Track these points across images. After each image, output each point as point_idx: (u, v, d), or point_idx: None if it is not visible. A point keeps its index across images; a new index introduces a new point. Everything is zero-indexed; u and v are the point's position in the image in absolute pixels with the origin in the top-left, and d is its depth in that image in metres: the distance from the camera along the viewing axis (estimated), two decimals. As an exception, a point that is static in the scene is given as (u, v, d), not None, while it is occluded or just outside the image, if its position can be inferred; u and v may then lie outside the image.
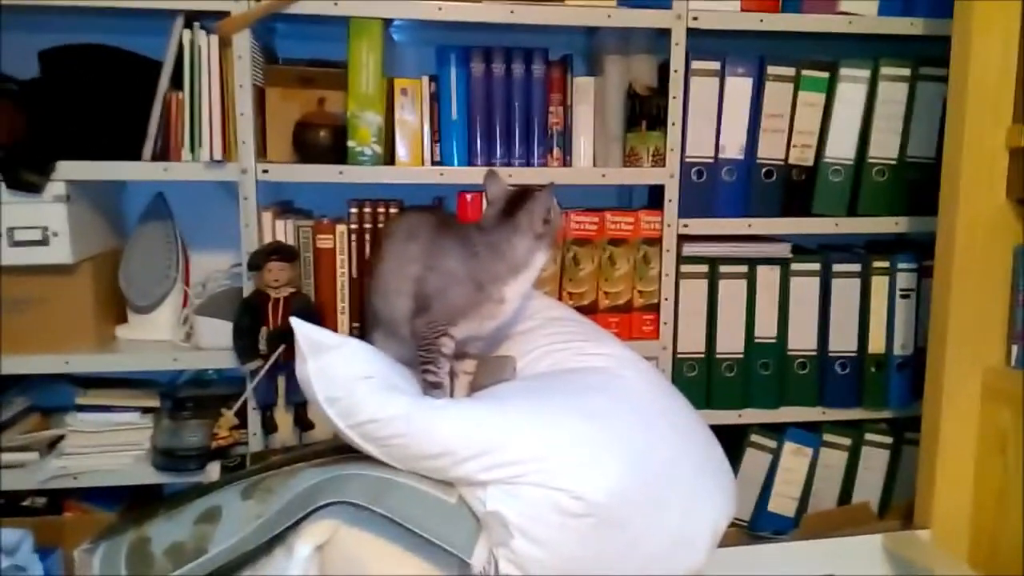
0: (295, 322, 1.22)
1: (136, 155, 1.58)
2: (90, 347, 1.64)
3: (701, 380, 1.80)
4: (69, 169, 1.55)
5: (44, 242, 1.54)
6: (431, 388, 1.33)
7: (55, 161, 1.54)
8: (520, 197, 1.36)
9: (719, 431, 1.55)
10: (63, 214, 1.55)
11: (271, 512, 1.13)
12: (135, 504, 1.72)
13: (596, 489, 1.13)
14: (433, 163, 1.72)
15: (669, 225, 1.74)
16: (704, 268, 1.78)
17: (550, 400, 1.28)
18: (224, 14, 1.56)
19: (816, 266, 1.81)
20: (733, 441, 1.83)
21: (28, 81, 1.64)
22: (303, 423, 1.62)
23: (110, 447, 1.66)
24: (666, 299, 1.76)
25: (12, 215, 1.52)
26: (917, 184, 1.79)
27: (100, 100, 1.60)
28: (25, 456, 1.62)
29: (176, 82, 1.58)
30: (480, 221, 1.38)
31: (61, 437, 1.67)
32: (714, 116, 1.75)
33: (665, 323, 1.77)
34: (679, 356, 1.80)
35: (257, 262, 1.58)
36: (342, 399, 1.17)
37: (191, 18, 1.57)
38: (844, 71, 1.76)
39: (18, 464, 1.61)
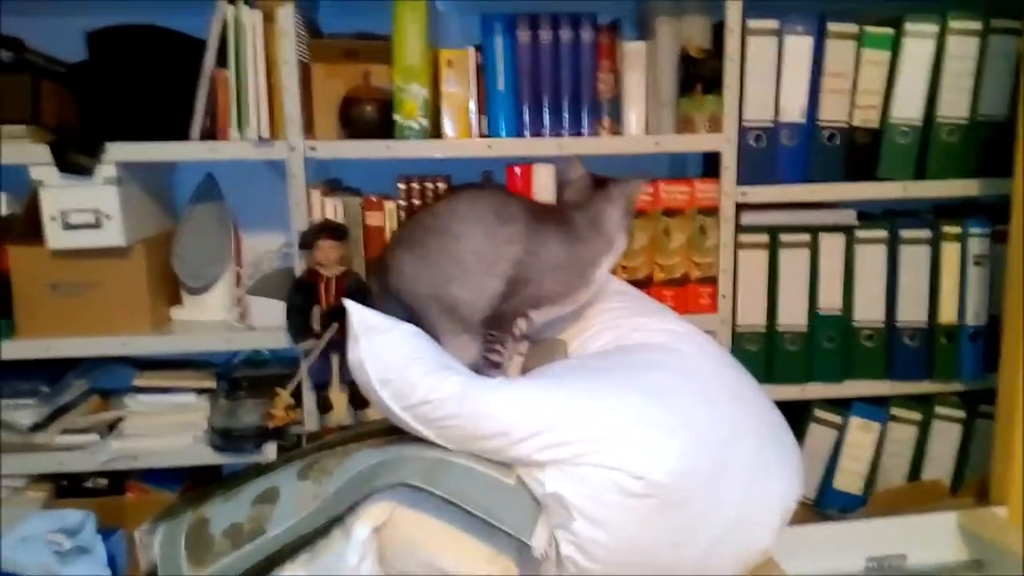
0: (349, 304, 1.20)
1: (184, 135, 1.58)
2: (145, 329, 1.64)
3: (762, 354, 1.75)
4: (119, 151, 1.55)
5: (97, 225, 1.55)
6: (491, 368, 1.30)
7: (105, 143, 1.53)
8: (605, 180, 1.36)
9: (781, 407, 1.49)
10: (115, 196, 1.55)
11: (328, 493, 1.12)
12: (195, 484, 1.73)
13: (658, 469, 1.10)
14: (480, 136, 1.68)
15: (727, 194, 1.68)
16: (764, 238, 1.72)
17: (607, 378, 1.24)
18: (267, -11, 1.53)
19: (883, 233, 1.74)
20: (796, 417, 1.78)
21: (76, 64, 1.64)
22: (358, 402, 1.61)
23: (168, 428, 1.67)
24: (724, 271, 1.71)
25: (65, 198, 1.53)
26: (990, 144, 1.70)
27: (147, 81, 1.59)
28: (86, 438, 1.64)
29: (222, 60, 1.57)
30: (569, 202, 1.36)
31: (120, 419, 1.68)
32: (772, 78, 1.67)
33: (724, 296, 1.71)
34: (739, 330, 1.74)
35: (307, 241, 1.56)
36: (394, 380, 1.15)
37: (234, -6, 1.55)
38: (910, 26, 1.67)
39: (80, 446, 1.63)
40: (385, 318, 1.20)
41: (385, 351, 1.17)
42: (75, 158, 1.51)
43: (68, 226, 1.53)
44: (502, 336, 1.32)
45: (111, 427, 1.68)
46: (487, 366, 1.31)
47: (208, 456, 1.64)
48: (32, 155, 1.52)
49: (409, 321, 1.23)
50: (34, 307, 1.59)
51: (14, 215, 1.60)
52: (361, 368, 1.17)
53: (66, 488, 1.68)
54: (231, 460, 1.64)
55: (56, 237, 1.54)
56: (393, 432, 1.22)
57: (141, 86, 1.58)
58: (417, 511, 1.07)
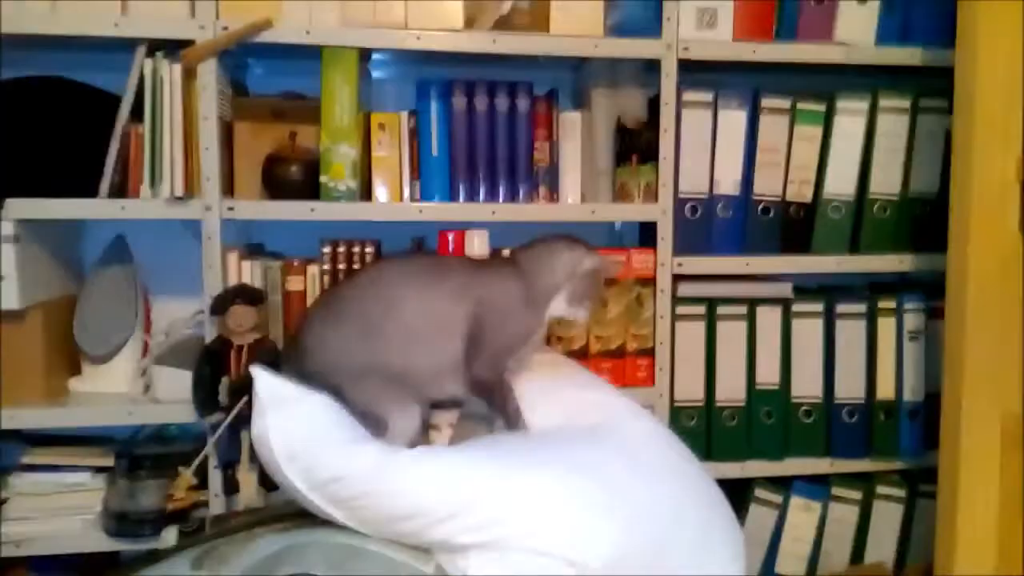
0: (255, 370, 1.11)
1: (92, 192, 1.48)
2: (39, 400, 1.51)
3: (701, 430, 1.69)
4: (18, 207, 1.44)
5: (-10, 286, 1.42)
6: (517, 420, 1.25)
7: (4, 199, 1.43)
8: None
9: (721, 485, 1.43)
10: (11, 256, 1.43)
11: (224, 585, 1.00)
12: (88, 573, 1.57)
13: (593, 554, 1.01)
14: (412, 200, 1.62)
15: (663, 264, 1.64)
16: (701, 309, 1.68)
17: (539, 452, 1.16)
18: (189, 43, 1.47)
19: (819, 307, 1.72)
20: (736, 496, 1.70)
21: (-23, 115, 1.54)
22: (268, 483, 1.48)
23: (59, 511, 1.52)
24: (661, 343, 1.66)
25: (-45, 256, 1.41)
26: (921, 220, 1.72)
27: (55, 135, 1.50)
28: (-37, 521, 1.48)
29: (137, 115, 1.49)
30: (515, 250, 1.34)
31: (5, 500, 1.52)
32: (708, 150, 1.67)
33: (661, 369, 1.66)
34: (677, 404, 1.68)
35: (220, 306, 1.46)
36: (301, 456, 1.05)
37: (154, 47, 1.48)
38: (841, 103, 1.69)
39: (-45, 530, 1.47)
40: (295, 387, 1.11)
41: (293, 424, 1.08)
42: (-32, 213, 1.39)
43: (-44, 286, 1.41)
44: (505, 391, 1.26)
45: (-6, 509, 1.52)
46: (514, 420, 1.24)
47: (102, 542, 1.49)
48: (-79, 210, 1.41)
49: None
50: (-88, 374, 1.45)
51: None
52: (265, 442, 1.07)
53: (-62, 579, 1.50)
54: (126, 546, 1.49)
55: (-58, 298, 1.41)
56: (303, 515, 1.11)
57: (48, 140, 1.49)
58: (323, 605, 0.96)
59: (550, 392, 1.32)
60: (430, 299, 1.25)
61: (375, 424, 1.19)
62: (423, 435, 1.28)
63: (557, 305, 1.31)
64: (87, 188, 1.48)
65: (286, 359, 1.31)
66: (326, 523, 1.05)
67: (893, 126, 1.70)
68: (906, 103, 1.70)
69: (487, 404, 1.27)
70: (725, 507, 1.25)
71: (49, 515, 1.52)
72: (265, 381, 1.10)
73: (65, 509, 1.52)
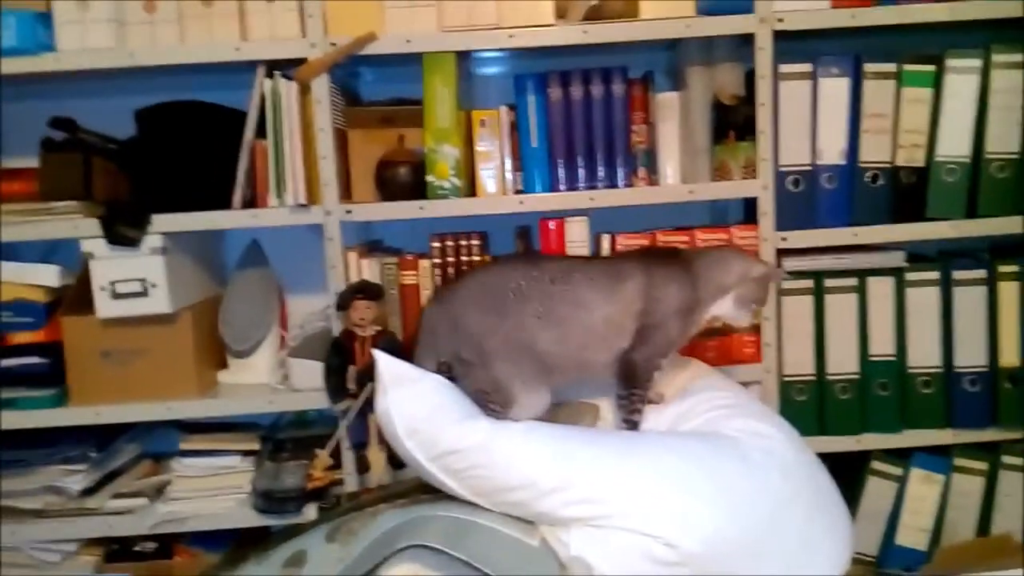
0: (376, 353, 1.21)
1: (227, 204, 1.63)
2: (192, 393, 1.68)
3: (812, 404, 1.68)
4: (164, 222, 1.61)
5: (144, 293, 1.60)
6: (641, 418, 1.29)
7: (151, 215, 1.60)
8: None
9: (836, 459, 1.44)
10: (161, 265, 1.60)
11: (353, 555, 1.12)
12: (239, 547, 1.74)
13: (691, 537, 1.06)
14: (515, 192, 1.69)
15: (766, 239, 1.64)
16: (808, 283, 1.67)
17: (645, 439, 1.21)
18: (302, 61, 1.59)
19: (935, 275, 1.67)
20: (853, 469, 1.70)
21: (125, 140, 1.71)
22: (396, 462, 1.60)
23: (214, 491, 1.69)
24: (767, 318, 1.66)
25: (113, 269, 1.59)
26: (1044, 177, 1.63)
27: (192, 154, 1.65)
28: (135, 502, 1.67)
29: (261, 131, 1.62)
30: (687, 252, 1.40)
31: (168, 482, 1.71)
32: (808, 121, 1.65)
33: (768, 344, 1.67)
34: (786, 379, 1.68)
35: (343, 302, 1.59)
36: (421, 431, 1.15)
37: (272, 68, 1.61)
38: (951, 62, 1.63)
39: (129, 510, 1.66)
40: (413, 369, 1.20)
41: (412, 402, 1.17)
42: (123, 230, 1.57)
43: (116, 295, 1.59)
44: (642, 393, 1.30)
45: (159, 491, 1.71)
46: (629, 428, 1.29)
47: (251, 519, 1.66)
48: (83, 229, 1.59)
49: (450, 357, 1.24)
50: (86, 375, 1.64)
51: (68, 287, 1.67)
52: (388, 418, 1.17)
53: (116, 552, 1.70)
54: (273, 522, 1.65)
55: (105, 306, 1.60)
56: (423, 491, 1.21)
57: (186, 159, 1.65)
58: (439, 573, 1.05)
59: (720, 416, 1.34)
60: (613, 303, 1.30)
61: (502, 398, 1.25)
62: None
63: (723, 306, 1.35)
64: (222, 200, 1.63)
65: (439, 306, 1.35)
66: (442, 499, 1.15)
67: (1008, 81, 1.62)
68: (1021, 57, 1.61)
69: (624, 391, 1.31)
70: (837, 503, 1.26)
71: (206, 495, 1.69)
72: (386, 363, 1.19)
73: (219, 489, 1.69)
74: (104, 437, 1.72)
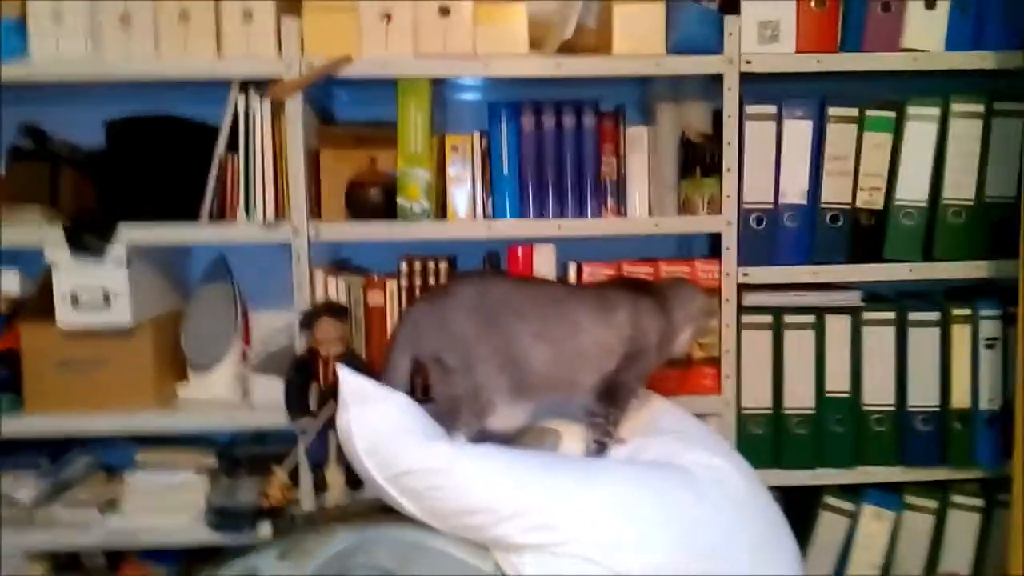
0: (341, 369, 1.21)
1: (194, 218, 1.63)
2: (150, 406, 1.66)
3: (769, 437, 1.71)
4: (129, 233, 1.60)
5: (106, 304, 1.59)
6: (599, 453, 1.31)
7: (116, 225, 1.59)
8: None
9: (790, 492, 1.46)
10: (123, 277, 1.59)
11: (305, 574, 1.11)
12: (192, 564, 1.72)
13: (644, 566, 1.07)
14: (485, 217, 1.71)
15: (728, 274, 1.67)
16: (768, 319, 1.70)
17: (603, 467, 1.23)
18: (277, 80, 1.60)
19: (891, 315, 1.71)
20: (806, 503, 1.73)
21: (94, 151, 1.71)
22: (354, 482, 1.60)
23: (167, 506, 1.67)
24: (727, 351, 1.69)
25: (76, 278, 1.58)
26: (998, 225, 1.68)
27: (161, 167, 1.66)
28: (85, 514, 1.65)
29: (234, 146, 1.63)
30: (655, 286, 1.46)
31: (121, 496, 1.69)
32: (772, 161, 1.68)
33: (727, 376, 1.69)
34: (744, 412, 1.71)
35: (308, 320, 1.59)
36: (381, 450, 1.15)
37: (246, 84, 1.62)
38: (912, 110, 1.68)
39: (79, 523, 1.64)
40: (377, 387, 1.21)
41: (373, 420, 1.17)
42: (87, 240, 1.56)
43: (77, 305, 1.58)
44: (619, 415, 1.33)
45: (111, 504, 1.69)
46: (598, 451, 1.31)
47: (204, 535, 1.64)
48: (47, 237, 1.58)
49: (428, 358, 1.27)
50: (42, 384, 1.62)
51: (28, 295, 1.65)
52: (348, 435, 1.17)
53: (64, 565, 1.68)
54: (226, 540, 1.63)
55: (65, 316, 1.58)
56: (379, 511, 1.21)
57: (155, 172, 1.65)
58: (390, 596, 1.05)
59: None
60: (606, 328, 1.33)
61: (479, 407, 1.27)
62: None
63: (685, 336, 1.41)
64: (189, 213, 1.63)
65: (429, 306, 1.35)
66: (396, 520, 1.15)
67: (966, 130, 1.68)
68: (980, 107, 1.67)
69: (603, 410, 1.33)
70: (786, 536, 1.27)
71: (159, 510, 1.66)
72: (349, 380, 1.20)
73: (173, 505, 1.67)
74: (58, 448, 1.70)
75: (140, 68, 1.58)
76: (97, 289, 1.58)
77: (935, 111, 1.68)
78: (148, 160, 1.65)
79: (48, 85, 1.62)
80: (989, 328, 1.69)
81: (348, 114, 1.88)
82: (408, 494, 1.14)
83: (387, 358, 1.32)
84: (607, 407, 1.32)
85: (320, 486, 1.61)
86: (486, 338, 1.28)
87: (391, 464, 1.15)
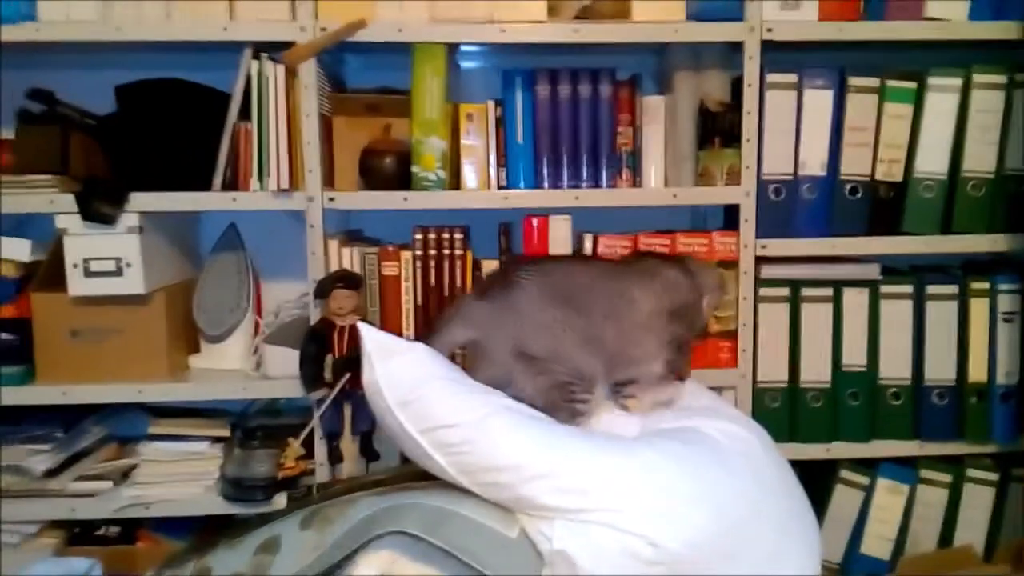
0: (362, 326, 1.20)
1: (207, 186, 1.60)
2: (163, 376, 1.65)
3: (784, 411, 1.70)
4: (141, 200, 1.58)
5: (118, 272, 1.57)
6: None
7: (128, 193, 1.57)
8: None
9: (805, 466, 1.45)
10: (136, 245, 1.57)
11: (329, 542, 1.11)
12: (206, 534, 1.71)
13: (673, 537, 1.06)
14: (499, 187, 1.69)
15: (746, 246, 1.66)
16: (785, 291, 1.69)
17: (638, 439, 1.22)
18: (290, 44, 1.57)
19: (908, 288, 1.70)
20: (821, 477, 1.72)
21: (105, 116, 1.68)
22: (369, 453, 1.59)
23: (181, 476, 1.66)
24: (744, 325, 1.68)
25: (88, 246, 1.56)
26: (1017, 198, 1.67)
27: (173, 133, 1.63)
28: (99, 485, 1.64)
29: (245, 113, 1.60)
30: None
31: (134, 466, 1.68)
32: (792, 131, 1.66)
33: (744, 350, 1.68)
34: (760, 385, 1.70)
35: (322, 290, 1.57)
36: (414, 402, 1.13)
37: (259, 49, 1.59)
38: (933, 80, 1.66)
39: (93, 493, 1.63)
40: (399, 340, 1.19)
41: (403, 372, 1.16)
42: (99, 207, 1.54)
43: (89, 273, 1.56)
44: (684, 367, 1.39)
45: (125, 475, 1.68)
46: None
47: (219, 506, 1.63)
48: (58, 204, 1.56)
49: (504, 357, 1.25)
50: (54, 353, 1.61)
51: (39, 262, 1.63)
52: (377, 391, 1.15)
53: (78, 535, 1.67)
54: (241, 510, 1.62)
55: (77, 284, 1.56)
56: (399, 481, 1.20)
57: (167, 138, 1.62)
58: (417, 561, 1.04)
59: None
60: (653, 297, 1.34)
61: (588, 385, 1.28)
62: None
63: (705, 309, 1.43)
64: (202, 182, 1.60)
65: (489, 303, 1.31)
66: (420, 488, 1.14)
67: (988, 102, 1.66)
68: (1001, 78, 1.65)
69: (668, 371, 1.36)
70: (807, 510, 1.27)
71: (172, 480, 1.66)
72: (372, 335, 1.18)
73: (186, 475, 1.66)
74: (70, 418, 1.68)
75: (151, 31, 1.55)
76: (109, 257, 1.56)
77: (957, 82, 1.66)
78: (160, 126, 1.63)
79: (57, 48, 1.59)
80: (1007, 302, 1.68)
81: (359, 81, 1.85)
82: (439, 448, 1.12)
83: (436, 334, 1.29)
84: (671, 370, 1.35)
85: (335, 457, 1.60)
86: (573, 323, 1.27)
87: (424, 417, 1.13)
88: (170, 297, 1.67)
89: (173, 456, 1.67)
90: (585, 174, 1.69)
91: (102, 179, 1.59)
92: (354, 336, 1.54)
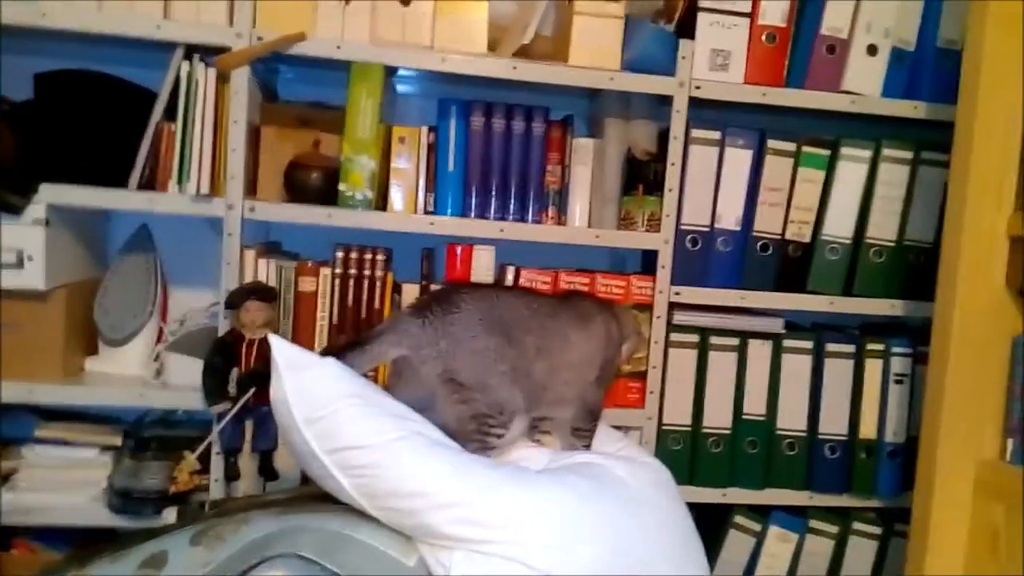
0: (273, 338, 1.17)
1: (123, 184, 1.55)
2: (56, 377, 1.58)
3: (686, 454, 1.74)
4: (51, 192, 1.52)
5: (19, 265, 1.50)
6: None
7: (38, 183, 1.50)
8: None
9: (702, 509, 1.49)
10: (41, 238, 1.51)
11: (219, 559, 1.07)
12: (86, 546, 1.63)
13: (570, 573, 1.07)
14: (426, 212, 1.69)
15: (661, 291, 1.70)
16: (695, 338, 1.74)
17: (545, 474, 1.23)
18: (224, 49, 1.55)
19: (809, 344, 1.77)
20: (716, 520, 1.77)
21: (21, 103, 1.62)
22: (267, 472, 1.55)
23: (66, 484, 1.59)
24: (654, 367, 1.72)
25: (-11, 236, 1.49)
26: (915, 268, 1.77)
27: (91, 126, 1.58)
28: (-25, 487, 1.55)
29: (171, 114, 1.56)
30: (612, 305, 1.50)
31: (15, 470, 1.59)
32: (712, 185, 1.72)
33: (652, 392, 1.72)
34: (664, 427, 1.74)
35: (234, 301, 1.53)
36: (322, 420, 1.10)
37: (191, 51, 1.56)
38: (845, 150, 1.75)
39: (-34, 495, 1.54)
40: (311, 354, 1.17)
41: (313, 388, 1.13)
42: (5, 196, 1.47)
43: (-12, 264, 1.49)
44: (595, 427, 1.40)
45: (6, 478, 1.59)
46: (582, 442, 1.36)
47: (104, 517, 1.56)
48: (-41, 188, 1.48)
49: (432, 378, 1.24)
50: (-59, 344, 1.52)
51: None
52: (284, 406, 1.12)
53: (-54, 540, 1.57)
54: (128, 523, 1.56)
55: (-24, 275, 1.49)
56: (297, 502, 1.17)
57: (84, 131, 1.57)
58: (309, 586, 1.02)
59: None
60: (589, 341, 1.37)
61: (504, 420, 1.27)
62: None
63: (624, 353, 1.48)
64: (117, 179, 1.55)
65: (426, 324, 1.27)
66: (318, 510, 1.11)
67: (894, 175, 1.75)
68: (908, 154, 1.75)
69: (588, 425, 1.39)
70: (701, 553, 1.31)
71: (56, 488, 1.58)
72: (282, 348, 1.15)
73: (72, 483, 1.59)
74: (-51, 414, 1.59)
75: (78, 20, 1.50)
76: (11, 249, 1.49)
77: (867, 153, 1.75)
78: (78, 118, 1.57)
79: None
80: (900, 364, 1.77)
81: (292, 92, 1.83)
82: (344, 470, 1.10)
83: (366, 345, 1.25)
84: (591, 421, 1.38)
85: (231, 474, 1.55)
86: (504, 354, 1.27)
87: (332, 436, 1.10)
88: (71, 295, 1.61)
89: (59, 462, 1.59)
90: (512, 207, 1.71)
91: (11, 167, 1.52)
92: (262, 350, 1.52)
